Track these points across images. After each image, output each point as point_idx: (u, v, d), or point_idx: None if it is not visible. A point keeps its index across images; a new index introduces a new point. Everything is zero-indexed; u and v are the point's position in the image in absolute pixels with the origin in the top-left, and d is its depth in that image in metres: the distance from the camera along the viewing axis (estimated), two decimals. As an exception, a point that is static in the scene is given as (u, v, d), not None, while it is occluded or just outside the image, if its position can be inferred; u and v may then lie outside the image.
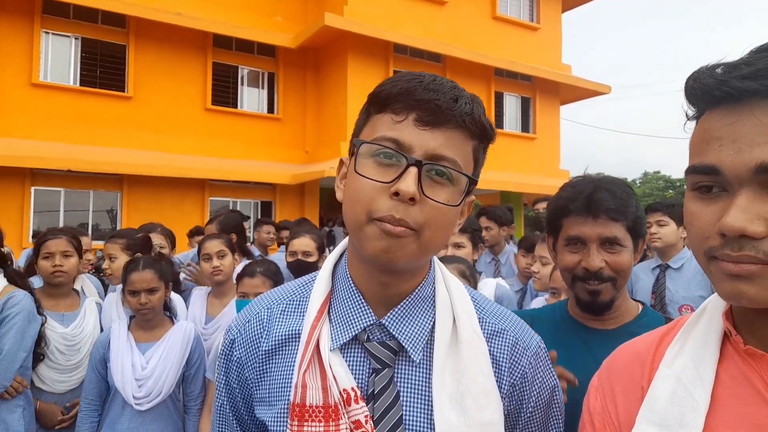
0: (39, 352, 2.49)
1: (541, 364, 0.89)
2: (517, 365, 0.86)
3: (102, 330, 2.70)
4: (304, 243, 3.19)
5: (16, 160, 9.38)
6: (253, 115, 12.50)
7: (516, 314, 0.95)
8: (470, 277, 2.24)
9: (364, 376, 0.82)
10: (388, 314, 0.83)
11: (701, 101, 0.64)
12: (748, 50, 0.61)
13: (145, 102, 11.14)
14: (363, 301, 0.84)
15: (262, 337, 0.88)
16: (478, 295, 0.94)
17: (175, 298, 2.89)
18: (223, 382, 0.92)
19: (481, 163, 0.84)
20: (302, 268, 3.05)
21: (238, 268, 2.86)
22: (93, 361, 2.40)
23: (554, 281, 2.33)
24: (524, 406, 0.86)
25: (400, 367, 0.83)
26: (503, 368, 0.85)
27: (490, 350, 0.85)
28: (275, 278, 2.43)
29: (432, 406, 0.80)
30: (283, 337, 0.87)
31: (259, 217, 10.71)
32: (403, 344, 0.82)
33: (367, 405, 0.79)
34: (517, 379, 0.86)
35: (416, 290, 0.85)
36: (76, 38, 10.75)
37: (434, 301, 0.86)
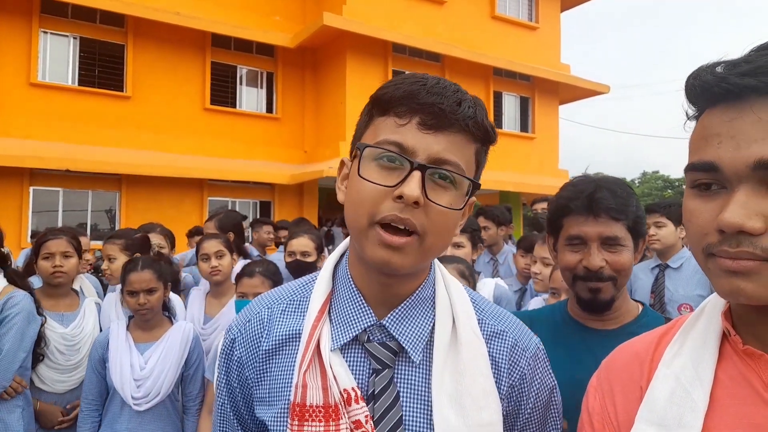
0: (39, 352, 2.49)
1: (539, 365, 0.89)
2: (516, 366, 0.87)
3: (101, 330, 2.69)
4: (303, 243, 3.19)
5: (14, 160, 9.37)
6: (251, 114, 12.49)
7: (515, 315, 0.95)
8: (469, 278, 2.24)
9: (364, 377, 0.82)
10: (389, 315, 0.83)
11: (701, 99, 0.64)
12: (748, 49, 0.61)
13: (143, 102, 11.13)
14: (363, 301, 0.84)
15: (262, 336, 0.88)
16: (478, 296, 0.94)
17: (174, 298, 2.89)
18: (224, 381, 0.92)
19: (482, 165, 0.84)
20: (301, 268, 3.05)
21: (237, 268, 2.86)
22: (92, 361, 2.39)
23: (554, 281, 2.33)
24: (523, 407, 0.87)
25: (400, 367, 0.83)
26: (502, 369, 0.86)
27: (489, 351, 0.85)
28: (274, 278, 2.43)
29: (431, 406, 0.80)
30: (284, 337, 0.87)
31: (258, 216, 10.71)
32: (404, 345, 0.82)
33: (367, 405, 0.80)
34: (516, 380, 0.86)
35: (417, 291, 0.85)
36: (74, 38, 10.73)
37: (434, 303, 0.87)
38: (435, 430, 0.79)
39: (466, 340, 0.83)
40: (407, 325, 0.83)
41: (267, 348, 0.87)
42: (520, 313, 1.42)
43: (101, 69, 11.01)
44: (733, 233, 0.58)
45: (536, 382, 0.88)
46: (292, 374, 0.82)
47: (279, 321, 0.88)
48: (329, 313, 0.86)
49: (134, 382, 2.31)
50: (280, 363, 0.86)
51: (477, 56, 13.05)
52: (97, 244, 5.66)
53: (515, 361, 0.87)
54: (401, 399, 0.81)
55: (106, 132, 10.63)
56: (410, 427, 0.80)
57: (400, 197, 0.73)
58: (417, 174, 0.73)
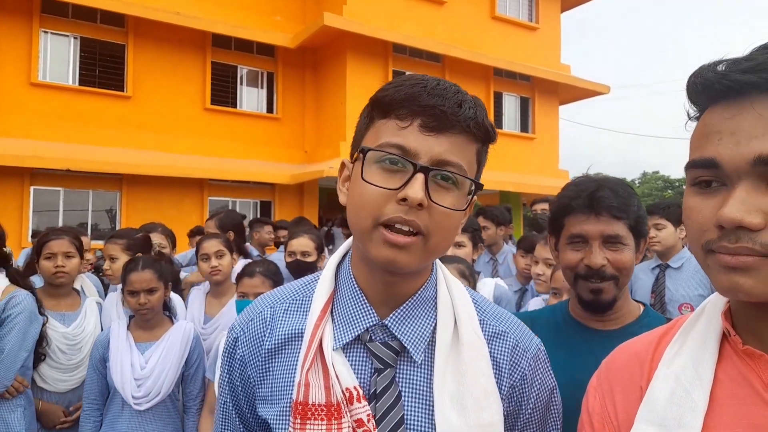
0: (40, 351, 2.50)
1: (540, 366, 0.90)
2: (517, 367, 0.87)
3: (103, 330, 2.70)
4: (303, 243, 3.19)
5: (15, 160, 9.36)
6: (252, 114, 12.49)
7: (516, 316, 0.96)
8: (469, 277, 2.25)
9: (366, 376, 0.82)
10: (391, 315, 0.84)
11: (703, 96, 0.64)
12: (750, 48, 0.62)
13: (144, 101, 11.13)
14: (366, 301, 0.85)
15: (265, 335, 0.89)
16: (479, 296, 0.95)
17: (175, 297, 2.89)
18: (227, 380, 0.92)
19: (483, 164, 0.85)
20: (301, 268, 3.05)
21: (237, 268, 2.86)
22: (93, 361, 2.40)
23: (555, 281, 2.33)
24: (523, 407, 0.87)
25: (401, 367, 0.83)
26: (503, 370, 0.86)
27: (490, 352, 0.86)
28: (275, 278, 2.43)
29: (433, 406, 0.80)
30: (286, 336, 0.87)
31: (259, 216, 10.70)
32: (405, 345, 0.83)
33: (369, 404, 0.80)
34: (517, 380, 0.87)
35: (419, 292, 0.86)
36: (75, 38, 10.73)
37: (436, 303, 0.87)
38: (436, 429, 0.79)
39: (467, 340, 0.84)
40: (409, 325, 0.84)
41: (269, 347, 0.87)
42: (521, 314, 1.42)
43: (101, 69, 11.01)
44: (732, 229, 0.58)
45: (537, 383, 0.88)
46: (295, 373, 0.83)
47: (282, 320, 0.89)
48: (332, 312, 0.86)
49: (135, 382, 2.32)
50: (283, 362, 0.86)
51: (477, 56, 13.04)
52: (98, 243, 5.67)
53: (516, 361, 0.87)
54: (403, 398, 0.82)
55: (106, 132, 10.63)
56: (412, 427, 0.80)
57: (404, 200, 0.73)
58: (420, 176, 0.74)
